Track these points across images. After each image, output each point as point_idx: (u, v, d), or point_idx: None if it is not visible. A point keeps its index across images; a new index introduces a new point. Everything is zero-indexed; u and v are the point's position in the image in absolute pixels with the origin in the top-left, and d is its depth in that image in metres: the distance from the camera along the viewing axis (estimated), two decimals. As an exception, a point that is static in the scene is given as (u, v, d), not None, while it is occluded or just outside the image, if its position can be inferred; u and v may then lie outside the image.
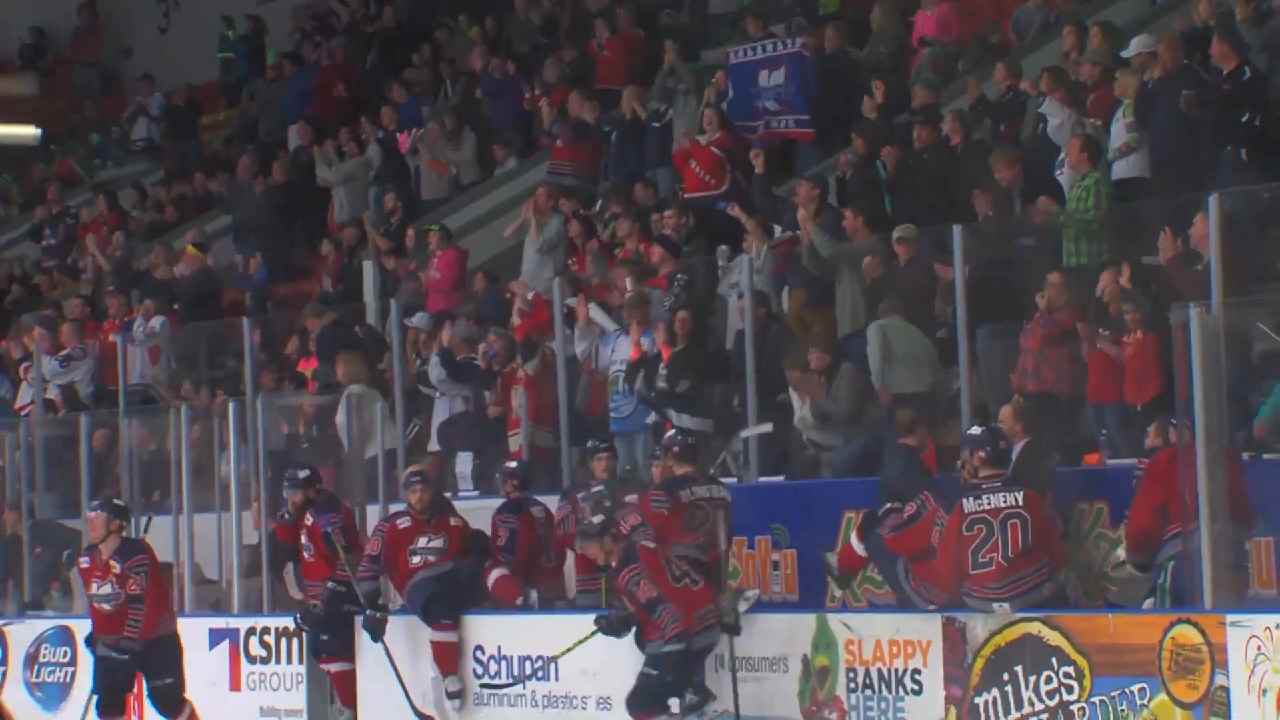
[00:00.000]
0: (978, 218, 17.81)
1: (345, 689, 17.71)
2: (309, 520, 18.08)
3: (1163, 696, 13.23)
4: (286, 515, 18.12)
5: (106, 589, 16.68)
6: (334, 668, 17.77)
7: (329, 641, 17.72)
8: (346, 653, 17.74)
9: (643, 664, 15.05)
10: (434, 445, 21.00)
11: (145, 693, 16.92)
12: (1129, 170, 18.15)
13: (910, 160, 20.01)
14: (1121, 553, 15.04)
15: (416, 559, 17.28)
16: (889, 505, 14.85)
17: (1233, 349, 14.59)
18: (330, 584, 17.56)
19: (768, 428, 18.12)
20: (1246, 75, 17.37)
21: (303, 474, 17.95)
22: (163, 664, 16.52)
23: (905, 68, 22.79)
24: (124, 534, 17.24)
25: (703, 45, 25.59)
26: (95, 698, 16.93)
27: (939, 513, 14.01)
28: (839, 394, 17.57)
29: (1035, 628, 13.60)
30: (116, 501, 18.22)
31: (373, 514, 19.93)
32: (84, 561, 17.21)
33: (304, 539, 17.83)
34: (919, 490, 14.55)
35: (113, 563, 16.46)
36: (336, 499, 18.44)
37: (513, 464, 18.20)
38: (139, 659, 16.55)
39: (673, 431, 17.39)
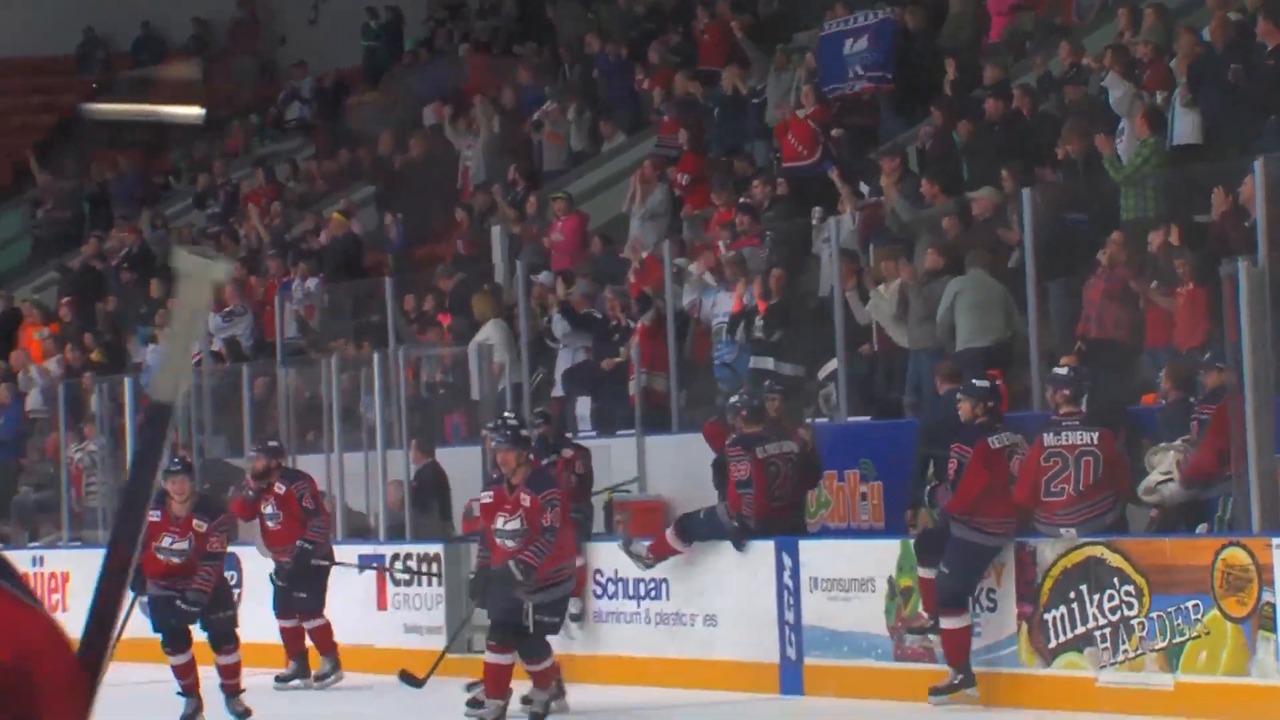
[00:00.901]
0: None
1: (325, 641, 17.93)
2: (280, 489, 18.05)
3: (1214, 612, 13.50)
4: (250, 493, 17.99)
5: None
6: (313, 624, 17.92)
7: (306, 599, 17.83)
8: (320, 607, 17.88)
9: None
10: (558, 391, 21.21)
11: (200, 625, 16.13)
12: (1185, 137, 18.43)
13: (983, 131, 20.36)
14: (1157, 476, 15.09)
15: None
16: (932, 484, 15.38)
17: (1277, 300, 14.66)
18: (300, 543, 17.71)
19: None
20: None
21: (272, 444, 18.26)
22: (218, 600, 15.95)
23: (978, 47, 22.93)
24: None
25: (794, 28, 25.53)
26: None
27: (970, 449, 14.16)
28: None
29: (1099, 551, 13.87)
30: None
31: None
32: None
33: (271, 508, 17.84)
34: (952, 431, 14.76)
35: (197, 522, 15.75)
36: (300, 471, 18.80)
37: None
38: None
39: (737, 398, 17.46)
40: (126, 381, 23.81)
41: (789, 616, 16.06)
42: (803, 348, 19.19)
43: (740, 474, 15.98)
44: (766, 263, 19.79)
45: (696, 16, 26.81)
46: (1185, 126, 18.09)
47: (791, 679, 15.99)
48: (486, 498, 14.31)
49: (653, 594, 17.24)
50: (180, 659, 15.80)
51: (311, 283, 25.08)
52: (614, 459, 19.40)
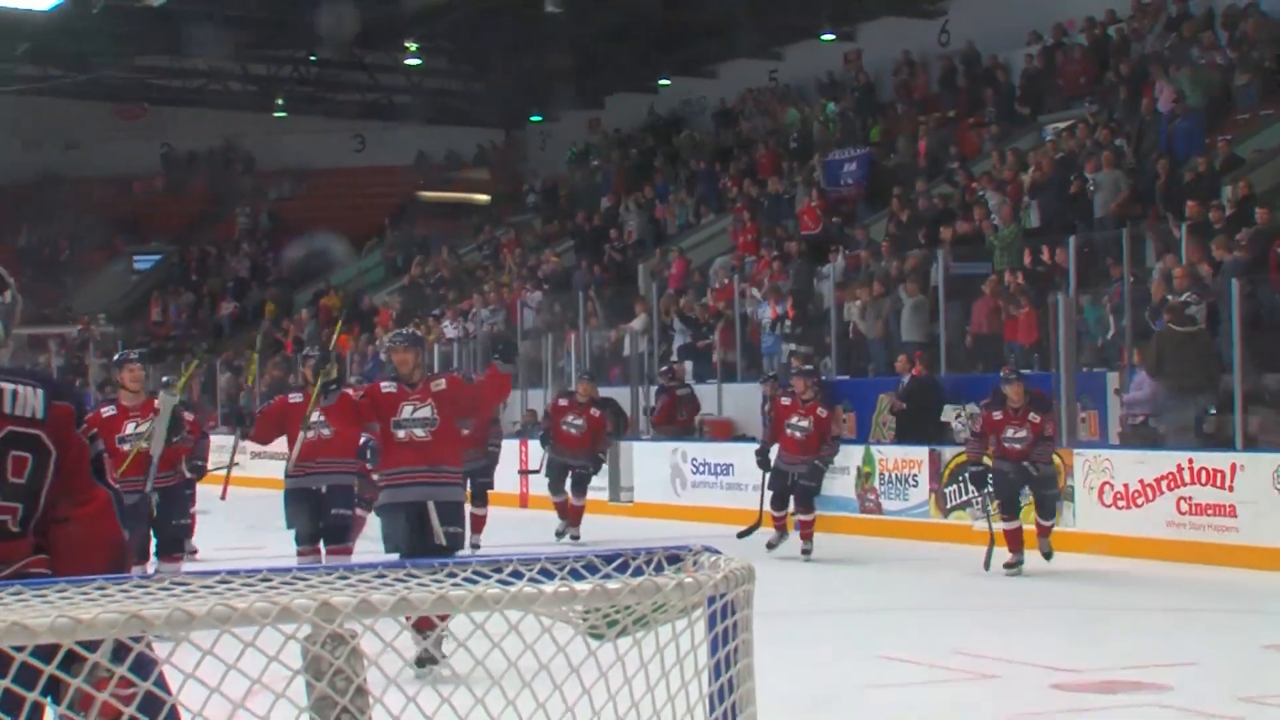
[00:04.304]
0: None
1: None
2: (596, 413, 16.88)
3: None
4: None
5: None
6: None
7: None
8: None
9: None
10: (674, 358, 22.13)
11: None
12: (1030, 223, 20.05)
13: (916, 217, 21.50)
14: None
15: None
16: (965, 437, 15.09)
17: (1075, 319, 16.51)
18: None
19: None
20: None
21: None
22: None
23: (915, 169, 23.92)
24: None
25: (809, 155, 26.57)
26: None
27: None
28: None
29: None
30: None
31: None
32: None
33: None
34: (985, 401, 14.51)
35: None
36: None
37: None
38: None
39: (775, 372, 18.42)
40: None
41: None
42: (811, 338, 20.79)
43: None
44: (791, 288, 21.41)
45: (756, 148, 28.66)
46: (1033, 218, 20.21)
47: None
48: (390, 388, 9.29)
49: (724, 471, 18.84)
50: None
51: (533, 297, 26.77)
52: (703, 397, 21.28)
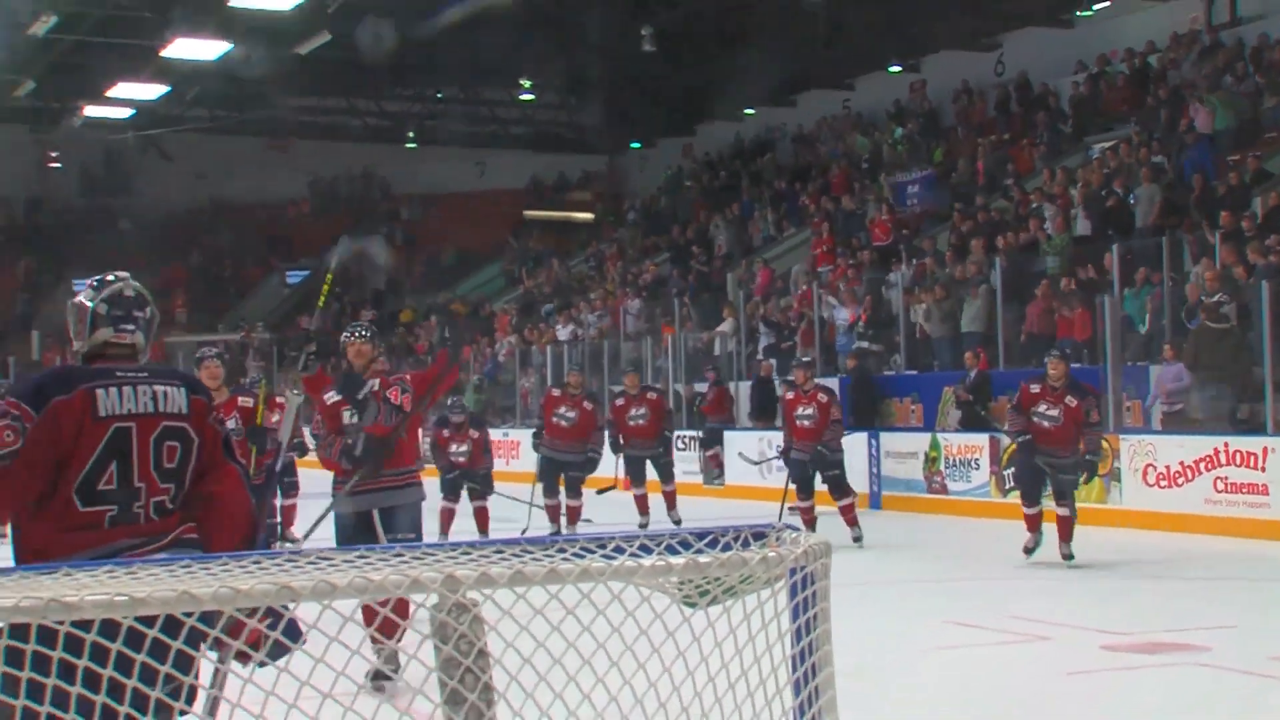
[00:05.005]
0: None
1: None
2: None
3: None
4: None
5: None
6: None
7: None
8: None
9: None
10: (759, 356, 21.81)
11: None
12: (1080, 231, 19.77)
13: (977, 227, 21.07)
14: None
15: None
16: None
17: (1121, 318, 16.44)
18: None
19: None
20: None
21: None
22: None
23: (975, 186, 23.84)
24: None
25: (878, 175, 26.56)
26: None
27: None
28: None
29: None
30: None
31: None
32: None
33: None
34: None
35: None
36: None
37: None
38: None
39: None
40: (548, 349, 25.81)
41: (874, 469, 17.89)
42: (882, 338, 20.76)
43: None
44: (864, 293, 21.29)
45: (831, 169, 28.49)
46: (1080, 227, 19.97)
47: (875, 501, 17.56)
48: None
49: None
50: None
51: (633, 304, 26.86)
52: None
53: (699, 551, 2.83)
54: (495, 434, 18.61)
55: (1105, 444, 13.75)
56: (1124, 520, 14.61)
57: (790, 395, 14.46)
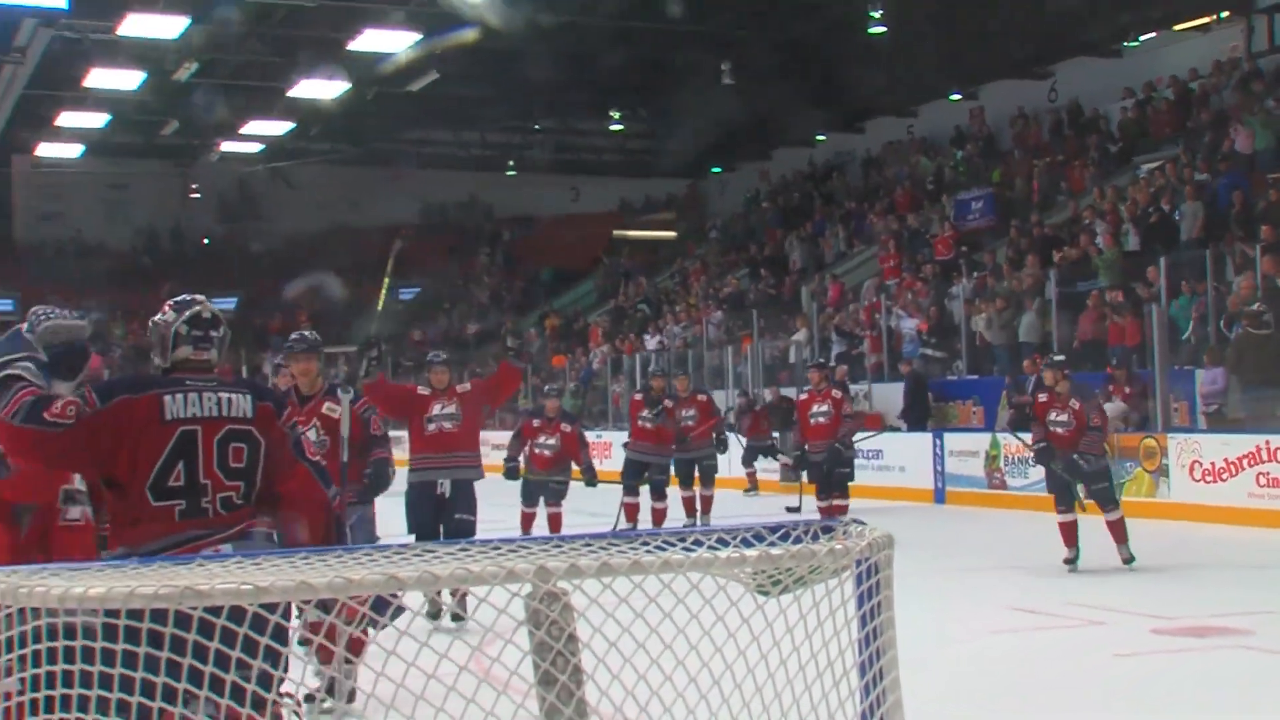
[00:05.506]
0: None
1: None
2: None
3: (1138, 469, 14.44)
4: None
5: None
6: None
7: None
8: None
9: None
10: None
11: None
12: (1130, 246, 19.34)
13: (1032, 244, 20.76)
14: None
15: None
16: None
17: (1168, 325, 16.35)
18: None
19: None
20: None
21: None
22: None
23: (1030, 202, 23.53)
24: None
25: (941, 196, 26.39)
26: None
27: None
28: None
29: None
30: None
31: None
32: None
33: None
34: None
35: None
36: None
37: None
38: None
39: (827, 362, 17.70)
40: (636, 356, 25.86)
41: (938, 466, 17.78)
42: (945, 345, 20.78)
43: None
44: (928, 304, 21.39)
45: (897, 189, 28.33)
46: (1130, 242, 19.67)
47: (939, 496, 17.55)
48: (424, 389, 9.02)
49: (877, 456, 18.60)
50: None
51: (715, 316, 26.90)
52: (856, 393, 20.23)
53: (772, 544, 2.84)
54: (590, 435, 17.89)
55: (1108, 447, 12.33)
56: (1172, 513, 14.47)
57: (804, 396, 14.23)
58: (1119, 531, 11.14)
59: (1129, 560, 11.15)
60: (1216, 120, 21.77)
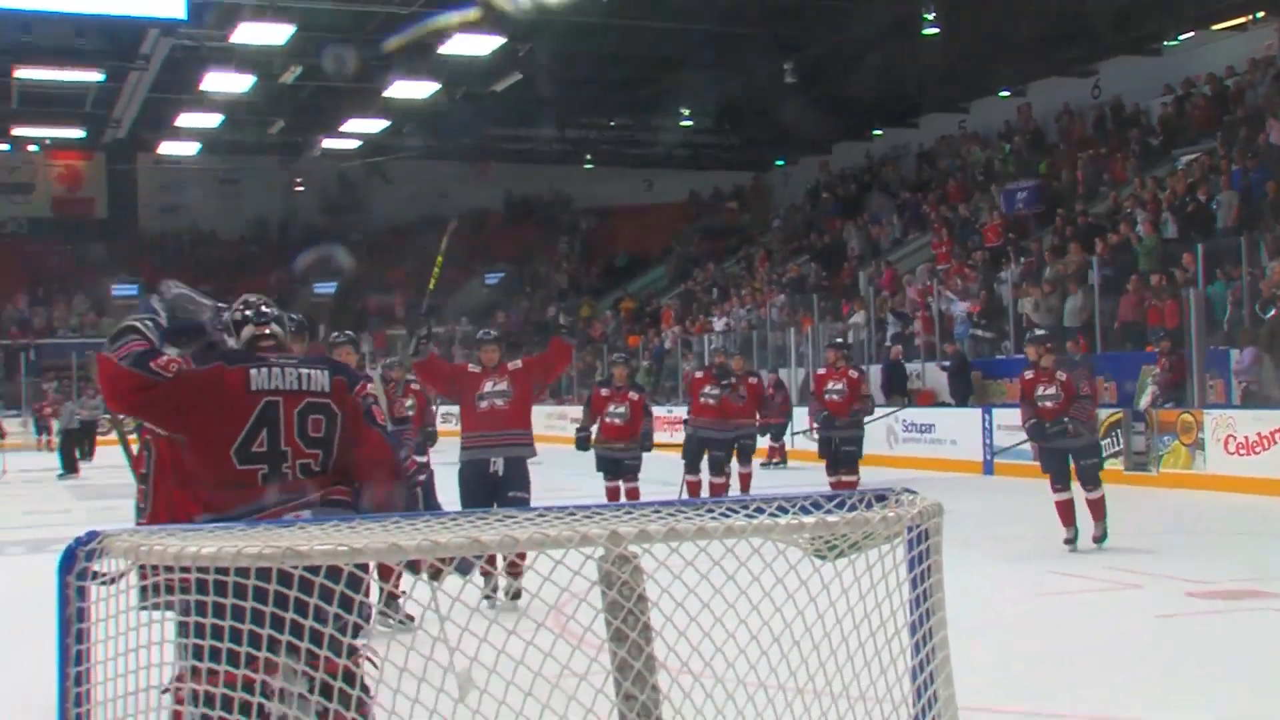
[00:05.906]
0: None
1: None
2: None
3: (1175, 442, 14.40)
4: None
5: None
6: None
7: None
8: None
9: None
10: (888, 342, 21.48)
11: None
12: (1169, 234, 19.06)
13: (1074, 232, 20.37)
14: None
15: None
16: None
17: (1205, 309, 16.01)
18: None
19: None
20: None
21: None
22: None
23: (1075, 192, 23.16)
24: None
25: (989, 188, 25.90)
26: None
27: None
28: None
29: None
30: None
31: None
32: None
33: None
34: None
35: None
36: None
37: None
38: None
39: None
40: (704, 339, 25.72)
41: (987, 440, 17.54)
42: (994, 327, 20.63)
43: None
44: (978, 288, 21.42)
45: (949, 181, 28.07)
46: (1169, 230, 19.51)
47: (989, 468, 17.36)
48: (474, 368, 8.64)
49: (929, 430, 18.72)
50: None
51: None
52: (910, 371, 20.79)
53: (828, 512, 2.82)
54: (660, 410, 18.10)
55: (1096, 415, 10.95)
56: (1208, 484, 14.32)
57: (822, 371, 13.76)
58: (1098, 510, 10.30)
59: (1100, 539, 10.28)
60: (1252, 115, 21.42)
